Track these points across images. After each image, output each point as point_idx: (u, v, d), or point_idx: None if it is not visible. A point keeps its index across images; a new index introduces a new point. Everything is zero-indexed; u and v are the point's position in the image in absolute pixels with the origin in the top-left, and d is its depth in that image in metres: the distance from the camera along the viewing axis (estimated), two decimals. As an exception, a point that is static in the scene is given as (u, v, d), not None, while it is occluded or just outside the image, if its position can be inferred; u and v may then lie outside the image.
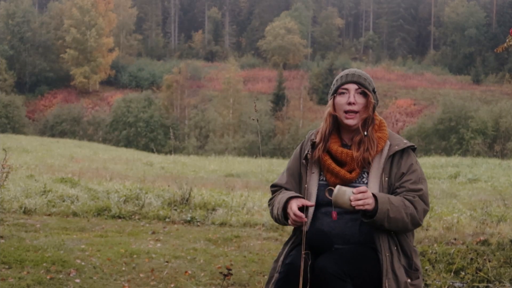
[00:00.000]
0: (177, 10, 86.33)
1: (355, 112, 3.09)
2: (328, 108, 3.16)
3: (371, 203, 2.90)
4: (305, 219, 2.98)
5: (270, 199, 3.27)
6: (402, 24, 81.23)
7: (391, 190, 3.04)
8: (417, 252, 3.12)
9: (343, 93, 3.11)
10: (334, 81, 3.17)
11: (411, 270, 3.04)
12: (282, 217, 3.08)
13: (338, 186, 2.94)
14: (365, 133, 3.08)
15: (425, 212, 3.02)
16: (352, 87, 3.10)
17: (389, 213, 2.91)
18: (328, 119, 3.15)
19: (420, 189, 3.02)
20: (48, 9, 72.93)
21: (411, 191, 3.01)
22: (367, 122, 3.10)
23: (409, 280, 2.99)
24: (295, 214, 2.97)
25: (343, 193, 2.91)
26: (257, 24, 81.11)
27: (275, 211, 3.13)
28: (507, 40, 6.11)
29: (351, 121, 3.09)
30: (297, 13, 76.88)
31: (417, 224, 3.00)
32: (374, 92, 3.14)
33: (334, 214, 2.99)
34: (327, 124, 3.14)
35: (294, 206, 3.00)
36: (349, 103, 3.08)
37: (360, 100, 3.09)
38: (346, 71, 3.17)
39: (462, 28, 72.42)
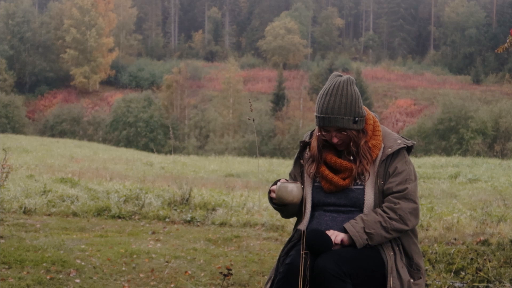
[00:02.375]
0: (177, 10, 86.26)
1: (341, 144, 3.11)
2: (317, 132, 3.15)
3: (343, 236, 2.98)
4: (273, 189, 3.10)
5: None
6: (402, 24, 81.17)
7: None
8: (420, 252, 3.13)
9: (325, 130, 3.09)
10: (315, 110, 3.09)
11: (413, 269, 3.06)
12: (269, 199, 3.20)
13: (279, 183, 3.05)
14: (351, 157, 3.07)
15: (414, 210, 3.02)
16: (332, 129, 3.06)
17: (368, 241, 2.97)
18: (317, 140, 3.15)
19: (405, 188, 3.03)
20: (48, 9, 72.86)
21: (396, 192, 3.03)
22: (357, 145, 3.08)
23: (412, 280, 3.02)
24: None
25: (285, 188, 3.03)
26: (257, 24, 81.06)
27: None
28: (508, 40, 6.10)
29: (340, 148, 3.12)
30: (297, 13, 76.82)
31: (406, 227, 3.01)
32: (360, 117, 3.05)
33: None
34: (316, 144, 3.15)
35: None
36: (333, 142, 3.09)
37: (344, 137, 3.07)
38: (323, 109, 3.03)
39: (462, 28, 72.40)
